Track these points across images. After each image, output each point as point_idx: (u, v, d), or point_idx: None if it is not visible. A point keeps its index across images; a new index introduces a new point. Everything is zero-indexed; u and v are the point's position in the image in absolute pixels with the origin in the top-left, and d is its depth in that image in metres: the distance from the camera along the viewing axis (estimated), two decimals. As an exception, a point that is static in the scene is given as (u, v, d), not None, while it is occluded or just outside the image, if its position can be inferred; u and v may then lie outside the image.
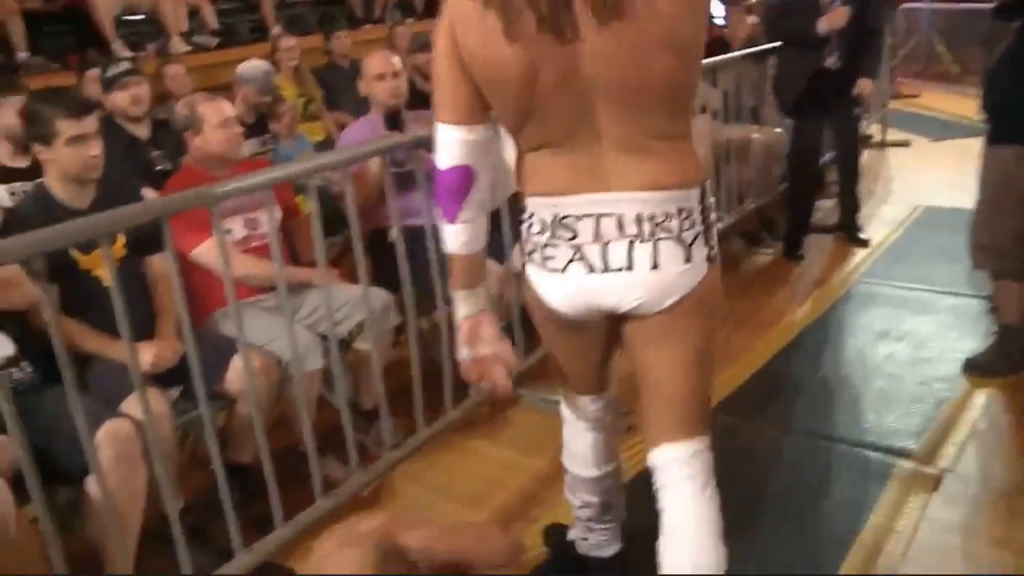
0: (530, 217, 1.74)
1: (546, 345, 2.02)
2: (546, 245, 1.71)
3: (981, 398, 3.23)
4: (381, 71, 3.44)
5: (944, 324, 3.87)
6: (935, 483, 2.74)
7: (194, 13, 7.57)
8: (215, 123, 2.99)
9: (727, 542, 1.83)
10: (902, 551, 2.44)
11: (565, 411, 2.12)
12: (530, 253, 1.76)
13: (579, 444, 2.12)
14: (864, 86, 4.68)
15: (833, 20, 4.39)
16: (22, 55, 6.59)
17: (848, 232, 5.07)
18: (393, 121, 3.33)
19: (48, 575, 1.97)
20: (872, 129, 7.30)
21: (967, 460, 2.85)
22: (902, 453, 2.90)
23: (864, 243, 4.98)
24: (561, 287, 1.73)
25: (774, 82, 4.99)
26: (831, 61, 4.53)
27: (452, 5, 1.59)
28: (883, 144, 7.26)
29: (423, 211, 2.87)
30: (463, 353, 1.84)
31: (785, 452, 2.98)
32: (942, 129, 7.83)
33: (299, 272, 2.98)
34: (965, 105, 8.41)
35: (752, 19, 5.86)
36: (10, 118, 3.29)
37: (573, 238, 1.67)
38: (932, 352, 3.61)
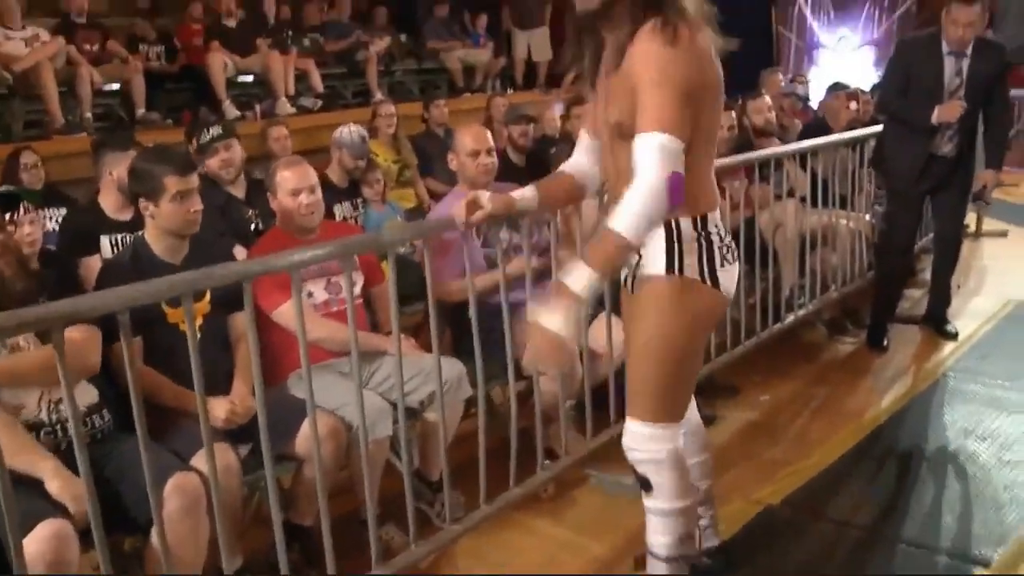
0: (716, 228, 2.14)
1: (692, 361, 2.24)
2: (727, 246, 2.16)
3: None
4: (475, 148, 3.44)
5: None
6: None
7: (302, 76, 7.90)
8: (288, 189, 3.08)
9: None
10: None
11: (671, 448, 2.22)
12: (721, 258, 2.13)
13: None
14: (986, 178, 4.62)
15: (945, 114, 4.33)
16: (140, 111, 6.99)
17: (936, 324, 4.93)
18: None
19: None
20: (968, 218, 7.11)
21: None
22: (981, 562, 2.78)
23: (952, 336, 4.83)
24: (735, 274, 2.18)
25: (878, 160, 4.92)
26: (947, 149, 4.47)
27: (695, 42, 1.94)
28: (978, 234, 7.07)
29: (500, 289, 2.91)
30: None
31: (855, 554, 2.88)
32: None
33: (373, 339, 3.04)
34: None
35: (854, 106, 5.85)
36: (123, 172, 3.41)
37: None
38: (1018, 455, 3.47)
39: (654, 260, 2.10)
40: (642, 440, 2.19)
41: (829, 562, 2.82)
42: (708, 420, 3.34)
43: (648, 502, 2.24)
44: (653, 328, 2.12)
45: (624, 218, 1.88)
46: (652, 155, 1.88)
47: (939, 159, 4.49)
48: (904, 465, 3.46)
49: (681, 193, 1.89)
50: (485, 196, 2.41)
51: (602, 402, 3.32)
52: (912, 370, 4.45)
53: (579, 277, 1.92)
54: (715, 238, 2.12)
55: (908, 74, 4.48)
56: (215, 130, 4.16)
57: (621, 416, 3.40)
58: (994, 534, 2.93)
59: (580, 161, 2.41)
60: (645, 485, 2.22)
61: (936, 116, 4.34)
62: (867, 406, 4.02)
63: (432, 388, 2.84)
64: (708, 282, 2.11)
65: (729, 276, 2.15)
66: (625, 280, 2.25)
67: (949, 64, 4.36)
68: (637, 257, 2.13)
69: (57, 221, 4.00)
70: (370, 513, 2.53)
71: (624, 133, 2.01)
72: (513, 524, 3.08)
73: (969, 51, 4.34)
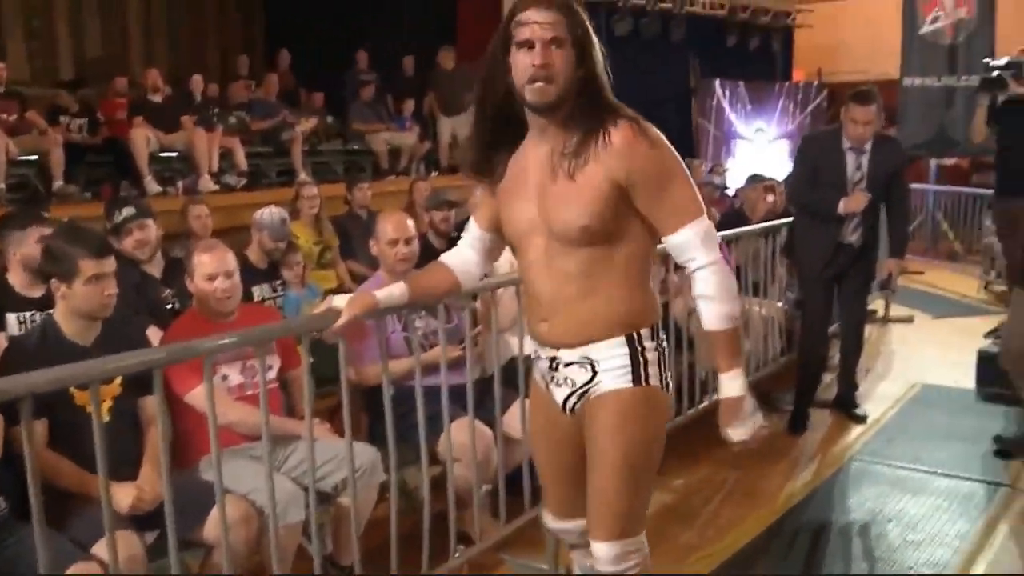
0: (662, 333, 2.13)
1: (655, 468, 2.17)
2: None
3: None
4: (395, 236, 3.46)
5: (936, 506, 3.84)
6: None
7: (226, 154, 7.90)
8: (204, 274, 3.07)
9: None
10: None
11: (646, 554, 2.19)
12: (668, 362, 2.12)
13: None
14: (891, 266, 4.84)
15: (851, 205, 4.54)
16: (58, 184, 6.89)
17: (846, 408, 5.07)
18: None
19: None
20: (876, 304, 7.39)
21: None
22: (886, 644, 2.85)
23: (862, 419, 4.98)
24: None
25: (790, 249, 5.14)
26: (853, 238, 4.66)
27: None
28: (886, 320, 7.34)
29: (414, 372, 2.93)
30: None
31: None
32: (944, 306, 7.92)
33: (286, 424, 3.03)
34: (967, 284, 8.56)
35: (771, 198, 6.11)
36: (32, 248, 3.32)
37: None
38: (922, 535, 3.58)
39: (617, 375, 2.04)
40: (620, 559, 2.09)
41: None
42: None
43: None
44: (627, 443, 2.03)
45: (725, 310, 1.99)
46: (708, 242, 1.98)
47: (845, 247, 4.68)
48: (814, 547, 3.53)
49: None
50: (343, 300, 2.41)
51: (516, 487, 3.33)
52: (822, 453, 4.56)
53: (734, 384, 2.03)
54: (663, 344, 2.12)
55: (815, 168, 4.69)
56: (128, 210, 4.09)
57: (536, 501, 3.44)
58: (899, 616, 3.01)
59: (466, 254, 2.34)
60: None
61: (842, 207, 4.54)
62: (779, 489, 4.10)
63: (346, 473, 2.82)
64: (664, 388, 2.09)
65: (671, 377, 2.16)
66: (567, 401, 2.13)
67: (850, 158, 4.58)
68: (589, 374, 2.06)
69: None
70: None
71: (591, 238, 1.98)
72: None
73: (869, 147, 4.57)
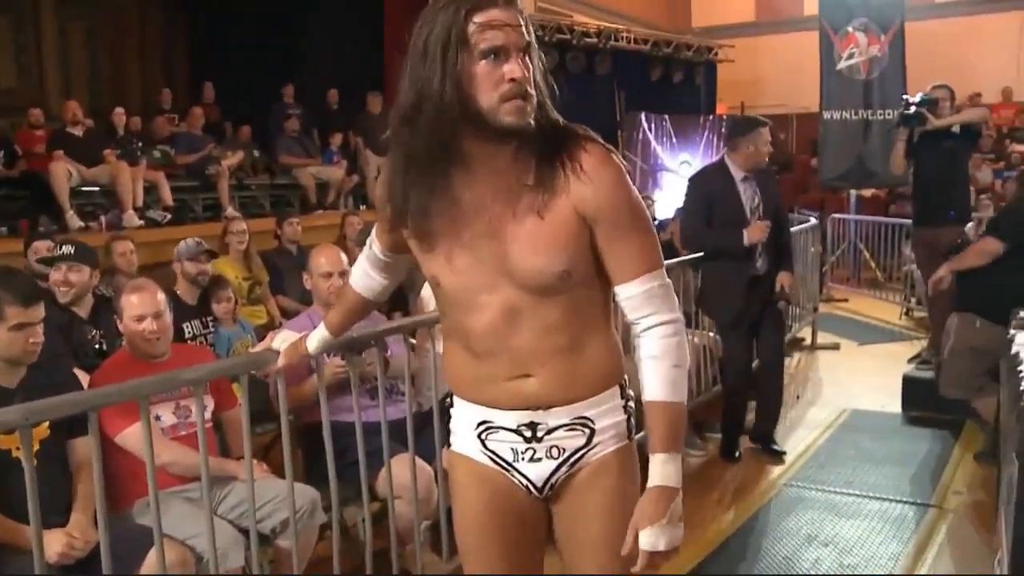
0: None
1: None
2: None
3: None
4: (328, 270, 3.48)
5: (869, 529, 3.91)
6: None
7: (151, 188, 7.76)
8: (132, 315, 3.02)
9: None
10: None
11: None
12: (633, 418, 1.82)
13: None
14: (784, 279, 4.82)
15: (754, 234, 4.57)
16: (-28, 217, 6.68)
17: (764, 444, 4.98)
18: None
19: None
20: (803, 332, 7.56)
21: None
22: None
23: (780, 456, 4.89)
24: None
25: (702, 298, 5.14)
26: (760, 265, 4.69)
27: None
28: (813, 347, 7.51)
29: (353, 408, 2.89)
30: None
31: None
32: (868, 333, 8.12)
33: (224, 464, 2.97)
34: (889, 311, 8.81)
35: None
36: None
37: None
38: (857, 558, 3.63)
39: (614, 434, 1.79)
40: None
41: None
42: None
43: None
44: (632, 499, 1.75)
45: (674, 384, 1.68)
46: (670, 297, 1.70)
47: (760, 279, 4.74)
48: (754, 572, 3.56)
49: None
50: (282, 342, 2.39)
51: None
52: (756, 482, 4.61)
53: (670, 471, 1.68)
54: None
55: (709, 205, 4.69)
56: (68, 248, 4.00)
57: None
58: (838, 640, 3.05)
59: (372, 278, 2.05)
60: None
61: (747, 238, 4.57)
62: (713, 519, 4.13)
63: (285, 515, 2.77)
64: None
65: None
66: (551, 477, 1.79)
67: (744, 188, 4.65)
68: (584, 439, 1.76)
69: None
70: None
71: (571, 283, 1.67)
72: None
73: (754, 176, 4.67)
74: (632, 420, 1.81)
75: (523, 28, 1.57)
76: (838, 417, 5.59)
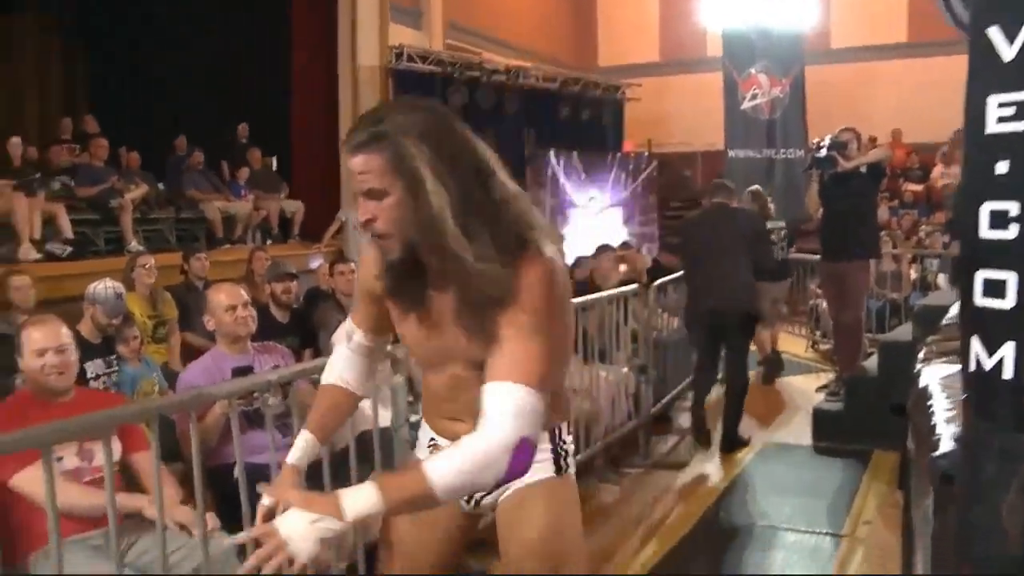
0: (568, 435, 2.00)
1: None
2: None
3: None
4: (231, 303, 3.47)
5: (787, 561, 3.96)
6: None
7: (49, 220, 7.46)
8: (33, 350, 2.87)
9: None
10: None
11: None
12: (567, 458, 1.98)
13: None
14: None
15: None
16: None
17: (731, 444, 5.60)
18: (240, 369, 3.33)
19: None
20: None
21: None
22: None
23: (746, 442, 5.63)
24: None
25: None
26: None
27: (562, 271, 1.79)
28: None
29: (268, 448, 2.80)
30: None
31: None
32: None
33: (132, 499, 2.81)
34: (796, 344, 9.02)
35: (623, 268, 6.26)
36: None
37: None
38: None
39: (539, 467, 1.86)
40: None
41: None
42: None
43: None
44: (551, 528, 1.89)
45: (448, 474, 1.59)
46: (522, 417, 1.62)
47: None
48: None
49: (524, 464, 1.64)
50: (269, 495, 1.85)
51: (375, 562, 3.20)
52: (674, 515, 4.61)
53: (360, 501, 1.58)
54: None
55: None
56: None
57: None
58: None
59: (355, 365, 2.08)
60: None
61: None
62: (633, 554, 4.10)
63: (196, 562, 2.64)
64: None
65: None
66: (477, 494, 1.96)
67: None
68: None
69: None
70: None
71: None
72: None
73: None
74: (563, 459, 1.97)
75: (369, 175, 1.64)
76: (752, 451, 5.66)
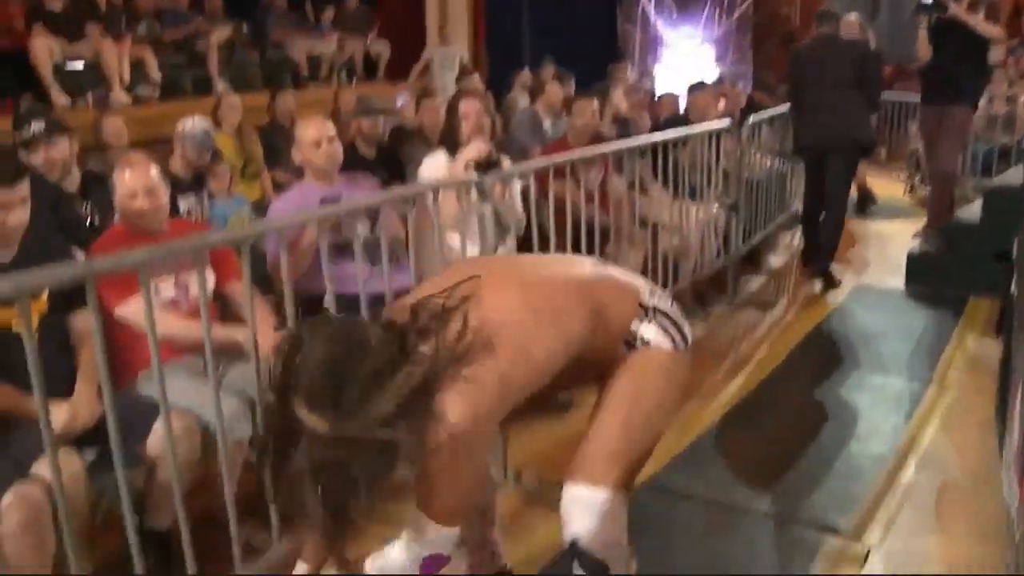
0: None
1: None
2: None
3: (909, 475, 3.27)
4: (317, 137, 3.46)
5: (870, 403, 3.94)
6: (862, 560, 2.76)
7: (138, 64, 7.51)
8: (125, 191, 2.93)
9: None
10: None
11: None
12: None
13: None
14: None
15: None
16: (-46, 95, 6.46)
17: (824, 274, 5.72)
18: (328, 198, 3.34)
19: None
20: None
21: (894, 537, 2.88)
22: (831, 529, 2.92)
23: (836, 282, 5.66)
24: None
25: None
26: None
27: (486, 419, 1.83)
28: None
29: (357, 278, 2.84)
30: None
31: (712, 527, 2.97)
32: (874, 209, 8.05)
33: (226, 330, 2.89)
34: (894, 188, 8.72)
35: (722, 104, 6.06)
36: None
37: None
38: (863, 429, 3.66)
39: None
40: (612, 517, 1.97)
41: (688, 538, 2.88)
42: (564, 406, 3.40)
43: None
44: (636, 403, 2.00)
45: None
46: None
47: None
48: (757, 443, 3.59)
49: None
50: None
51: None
52: (763, 354, 4.60)
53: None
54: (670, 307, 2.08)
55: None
56: (37, 126, 3.85)
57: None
58: (842, 504, 3.08)
59: None
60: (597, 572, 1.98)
61: None
62: (721, 387, 4.13)
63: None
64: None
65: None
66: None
67: None
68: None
69: None
70: (230, 514, 2.40)
71: None
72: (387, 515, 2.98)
73: None
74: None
75: None
76: (843, 293, 5.57)
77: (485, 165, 3.33)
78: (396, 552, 1.88)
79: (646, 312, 2.01)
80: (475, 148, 3.63)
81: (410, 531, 1.87)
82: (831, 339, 4.79)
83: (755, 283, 5.83)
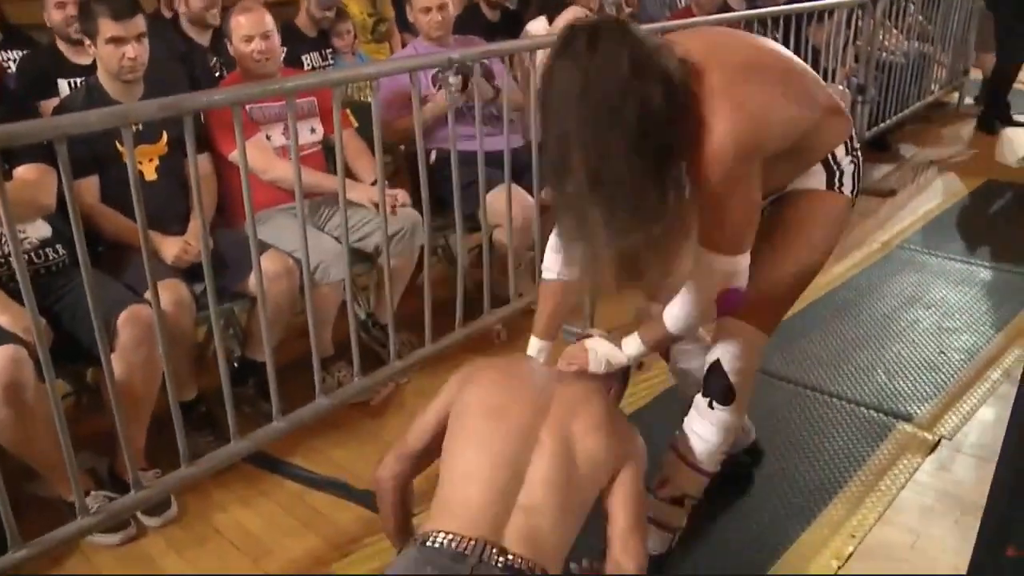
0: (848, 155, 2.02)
1: None
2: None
3: (996, 373, 3.22)
4: (426, 4, 3.46)
5: (976, 296, 3.84)
6: (930, 449, 2.77)
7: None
8: (241, 36, 3.04)
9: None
10: (881, 509, 2.49)
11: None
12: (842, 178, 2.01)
13: None
14: None
15: None
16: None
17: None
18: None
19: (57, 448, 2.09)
20: (950, 96, 7.10)
21: (967, 431, 2.87)
22: (904, 417, 2.93)
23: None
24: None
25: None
26: None
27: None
28: (958, 112, 7.07)
29: (456, 135, 2.93)
30: None
31: (790, 405, 3.02)
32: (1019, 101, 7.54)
33: (328, 179, 3.04)
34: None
35: None
36: (53, 12, 3.46)
37: None
38: (958, 323, 3.58)
39: (813, 181, 1.98)
40: (754, 354, 2.05)
41: (765, 413, 2.90)
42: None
43: (721, 413, 2.07)
44: (808, 240, 2.00)
45: (677, 321, 1.89)
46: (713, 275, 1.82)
47: None
48: (848, 328, 3.57)
49: (734, 304, 1.84)
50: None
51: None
52: (870, 241, 4.51)
53: (632, 346, 1.98)
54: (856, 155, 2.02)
55: None
56: None
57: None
58: (922, 393, 3.07)
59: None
60: (727, 395, 2.06)
61: None
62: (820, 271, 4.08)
63: (389, 232, 2.89)
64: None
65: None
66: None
67: None
68: None
69: (15, 63, 3.92)
70: (314, 347, 2.59)
71: None
72: (461, 363, 3.14)
73: None
74: (837, 178, 1.97)
75: None
76: (972, 184, 5.34)
77: None
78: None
79: (850, 147, 1.99)
80: (572, 11, 3.62)
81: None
82: (948, 229, 4.63)
83: (880, 170, 5.63)
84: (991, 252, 4.29)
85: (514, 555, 1.55)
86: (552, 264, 2.11)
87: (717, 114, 1.64)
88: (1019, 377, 3.10)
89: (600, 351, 2.00)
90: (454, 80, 2.83)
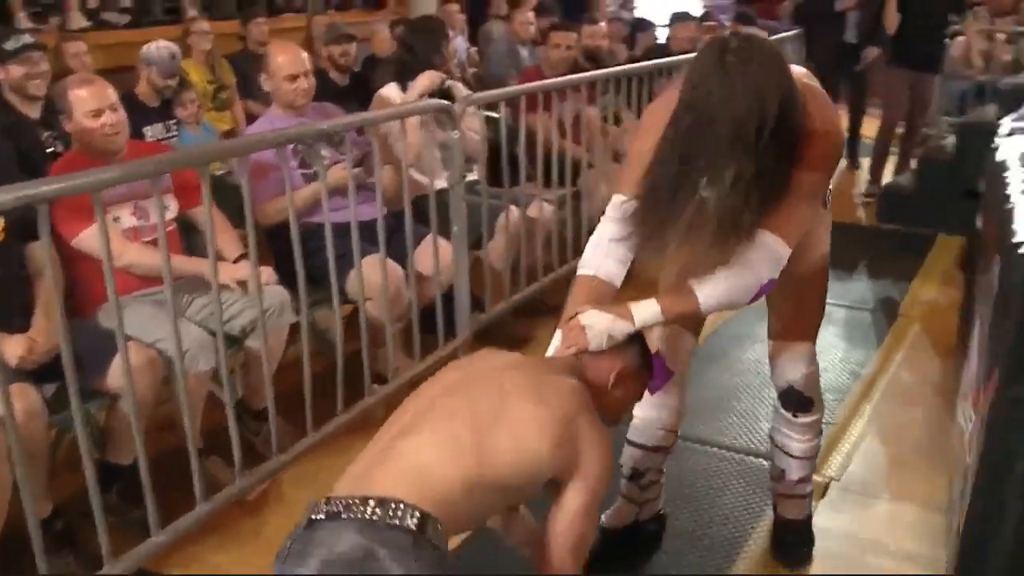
0: None
1: None
2: None
3: (868, 409, 3.32)
4: (292, 72, 3.30)
5: (836, 335, 3.97)
6: (822, 491, 2.80)
7: (105, -12, 7.29)
8: (86, 110, 2.79)
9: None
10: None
11: None
12: None
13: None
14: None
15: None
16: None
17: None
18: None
19: None
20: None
21: (853, 470, 2.94)
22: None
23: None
24: None
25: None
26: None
27: None
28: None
29: (321, 208, 2.82)
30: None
31: (682, 460, 2.98)
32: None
33: (190, 262, 2.86)
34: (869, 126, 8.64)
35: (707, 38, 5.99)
36: None
37: None
38: (824, 363, 3.64)
39: None
40: (812, 360, 2.36)
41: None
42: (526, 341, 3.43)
43: (804, 419, 2.41)
44: (824, 256, 2.26)
45: (711, 298, 1.86)
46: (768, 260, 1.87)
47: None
48: (720, 377, 3.62)
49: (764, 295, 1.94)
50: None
51: (429, 324, 3.29)
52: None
53: (646, 311, 1.88)
54: None
55: None
56: (26, 37, 3.71)
57: (450, 336, 3.41)
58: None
59: (614, 253, 2.01)
60: (806, 405, 2.39)
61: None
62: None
63: (254, 314, 2.72)
64: None
65: None
66: None
67: None
68: None
69: None
70: (191, 448, 2.41)
71: None
72: (343, 449, 2.97)
73: None
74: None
75: None
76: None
77: (438, 96, 3.30)
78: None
79: None
80: (427, 78, 3.58)
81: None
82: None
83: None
84: (841, 292, 4.44)
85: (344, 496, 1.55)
86: (591, 260, 2.01)
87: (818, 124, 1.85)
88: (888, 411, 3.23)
89: (597, 325, 1.86)
90: (326, 152, 2.72)
